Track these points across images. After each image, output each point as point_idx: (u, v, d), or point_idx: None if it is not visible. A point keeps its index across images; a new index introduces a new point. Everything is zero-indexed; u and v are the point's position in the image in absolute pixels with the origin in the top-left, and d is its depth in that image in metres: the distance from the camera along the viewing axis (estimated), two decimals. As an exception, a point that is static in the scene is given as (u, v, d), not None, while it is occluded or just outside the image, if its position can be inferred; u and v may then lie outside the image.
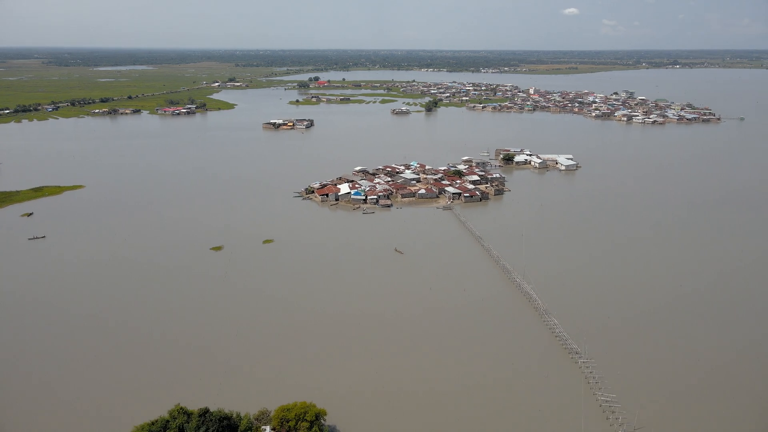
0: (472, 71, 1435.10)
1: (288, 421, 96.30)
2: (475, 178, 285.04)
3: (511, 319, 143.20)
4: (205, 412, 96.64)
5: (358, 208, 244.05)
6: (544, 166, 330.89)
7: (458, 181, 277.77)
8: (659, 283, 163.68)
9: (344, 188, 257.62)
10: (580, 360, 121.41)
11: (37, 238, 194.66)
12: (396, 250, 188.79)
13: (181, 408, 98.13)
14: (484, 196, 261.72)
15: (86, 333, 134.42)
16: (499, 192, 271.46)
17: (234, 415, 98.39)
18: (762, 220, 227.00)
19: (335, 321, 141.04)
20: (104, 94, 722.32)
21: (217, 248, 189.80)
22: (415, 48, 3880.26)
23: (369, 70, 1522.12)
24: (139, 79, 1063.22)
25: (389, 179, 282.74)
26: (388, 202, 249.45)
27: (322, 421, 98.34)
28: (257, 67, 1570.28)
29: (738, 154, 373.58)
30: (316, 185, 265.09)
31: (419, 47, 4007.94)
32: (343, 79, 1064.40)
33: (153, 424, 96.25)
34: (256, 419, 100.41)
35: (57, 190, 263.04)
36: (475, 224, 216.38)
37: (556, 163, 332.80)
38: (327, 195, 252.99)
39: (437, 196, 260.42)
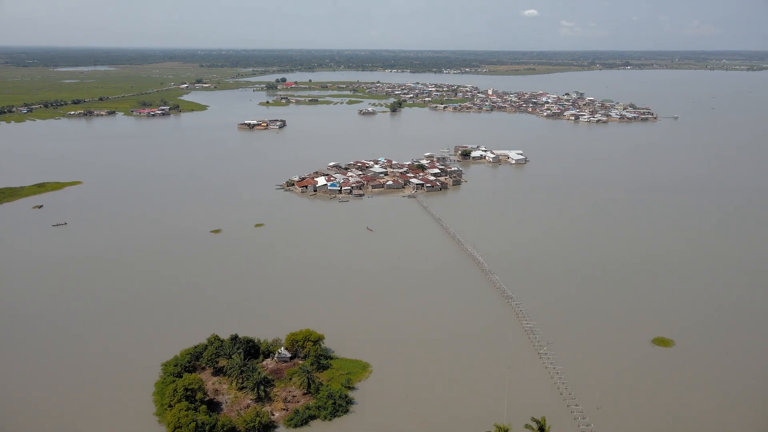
0: (435, 72, 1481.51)
1: (297, 342, 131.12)
2: (436, 171, 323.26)
3: (463, 277, 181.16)
4: (234, 338, 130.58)
5: (334, 197, 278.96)
6: (497, 160, 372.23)
7: (421, 174, 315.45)
8: (577, 250, 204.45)
9: (321, 181, 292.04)
10: (513, 302, 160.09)
11: (59, 224, 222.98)
12: (367, 228, 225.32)
13: (216, 336, 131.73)
14: (444, 186, 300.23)
15: (128, 291, 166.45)
16: (457, 183, 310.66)
17: (256, 340, 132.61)
18: (667, 199, 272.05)
19: (321, 277, 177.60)
20: (73, 96, 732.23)
21: (216, 231, 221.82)
22: (379, 48, 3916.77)
23: (334, 70, 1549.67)
24: (104, 80, 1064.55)
25: (360, 173, 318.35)
26: (361, 192, 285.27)
27: (321, 343, 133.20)
28: (222, 68, 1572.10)
29: (662, 148, 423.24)
30: (296, 178, 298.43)
31: (382, 47, 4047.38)
32: (310, 81, 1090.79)
33: (196, 347, 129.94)
34: (271, 344, 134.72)
35: (58, 185, 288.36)
36: (436, 209, 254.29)
37: (508, 158, 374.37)
38: (306, 187, 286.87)
39: (403, 187, 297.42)
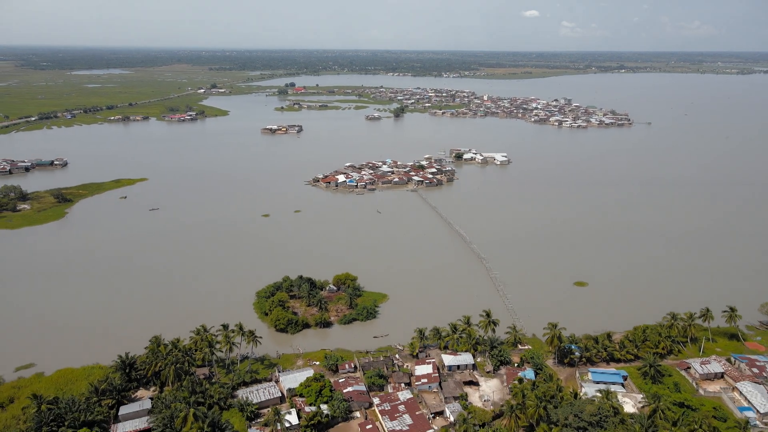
0: (435, 75, 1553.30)
1: (340, 280, 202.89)
2: (434, 170, 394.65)
3: (450, 245, 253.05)
4: (301, 276, 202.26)
5: (352, 191, 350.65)
6: (485, 161, 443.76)
7: (421, 172, 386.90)
8: (533, 227, 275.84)
9: (341, 178, 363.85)
10: (484, 261, 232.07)
11: (154, 209, 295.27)
12: (377, 211, 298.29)
13: (287, 276, 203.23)
14: (440, 183, 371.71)
15: (222, 249, 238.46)
16: (451, 180, 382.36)
17: (314, 279, 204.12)
18: (607, 190, 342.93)
19: (350, 242, 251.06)
20: (102, 101, 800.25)
21: (266, 215, 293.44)
22: (380, 49, 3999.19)
23: (338, 74, 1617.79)
24: (124, 84, 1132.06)
25: (372, 171, 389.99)
26: (373, 187, 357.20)
27: (356, 282, 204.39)
28: (231, 71, 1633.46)
29: (626, 151, 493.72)
30: (320, 176, 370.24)
31: (383, 48, 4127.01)
32: (317, 85, 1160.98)
33: (275, 283, 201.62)
34: (323, 282, 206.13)
35: (130, 181, 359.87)
36: (432, 200, 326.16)
37: (494, 159, 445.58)
38: (329, 182, 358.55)
39: (406, 183, 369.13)
